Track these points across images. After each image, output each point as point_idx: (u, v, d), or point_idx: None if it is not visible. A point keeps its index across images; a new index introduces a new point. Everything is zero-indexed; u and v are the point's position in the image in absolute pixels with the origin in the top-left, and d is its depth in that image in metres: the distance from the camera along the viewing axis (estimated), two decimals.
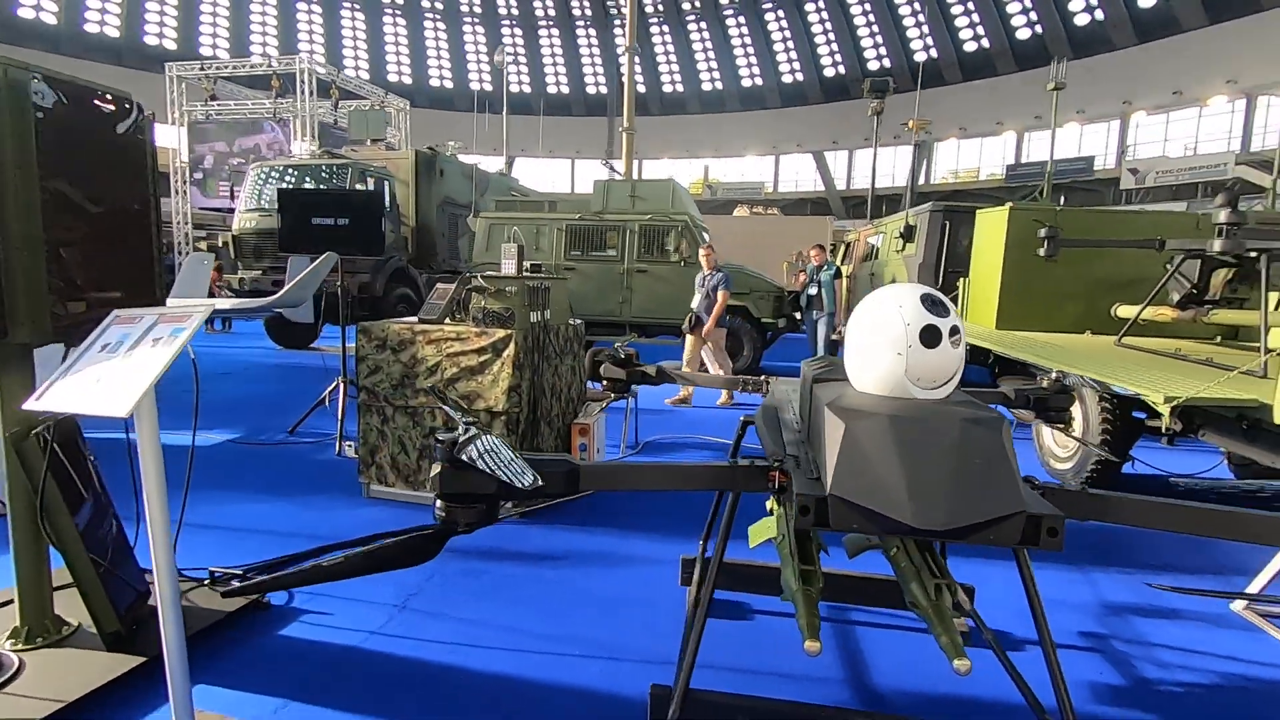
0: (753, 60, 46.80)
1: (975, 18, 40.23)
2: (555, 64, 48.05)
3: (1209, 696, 2.32)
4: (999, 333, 5.26)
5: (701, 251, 7.30)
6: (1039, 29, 38.01)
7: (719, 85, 47.55)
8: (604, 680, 2.27)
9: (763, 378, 2.89)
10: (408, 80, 43.89)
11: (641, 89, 41.40)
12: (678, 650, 2.37)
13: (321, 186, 9.94)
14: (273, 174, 10.36)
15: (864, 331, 1.54)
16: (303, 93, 18.09)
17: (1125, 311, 5.06)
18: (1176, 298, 4.51)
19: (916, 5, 41.57)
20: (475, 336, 3.80)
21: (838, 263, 11.32)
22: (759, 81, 47.19)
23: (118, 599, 2.23)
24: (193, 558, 2.92)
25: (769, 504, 2.47)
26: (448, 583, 2.93)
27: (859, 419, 1.37)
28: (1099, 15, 36.24)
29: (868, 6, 42.90)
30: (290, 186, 9.87)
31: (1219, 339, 4.82)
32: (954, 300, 6.87)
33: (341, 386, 5.16)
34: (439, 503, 1.52)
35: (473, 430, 1.50)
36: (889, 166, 45.64)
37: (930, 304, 1.45)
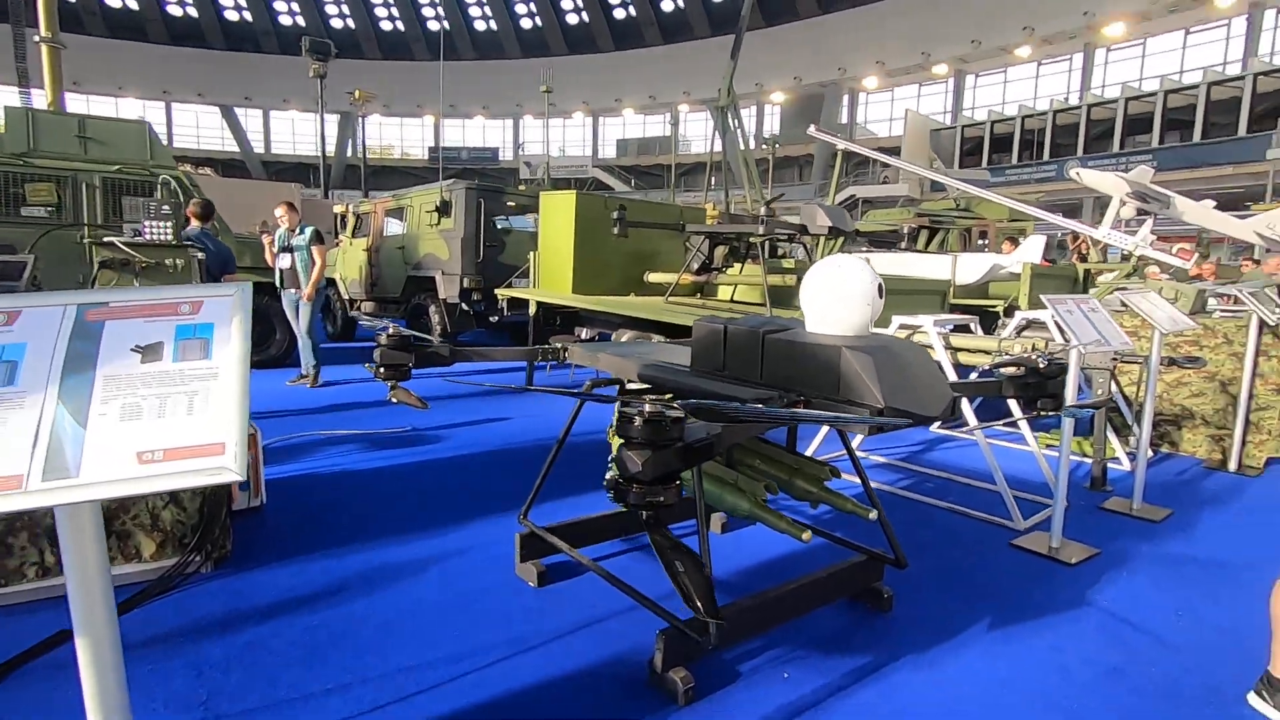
0: None
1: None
2: None
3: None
4: (578, 296, 6.23)
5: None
6: (447, 24, 41.68)
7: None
8: (513, 679, 2.15)
9: (559, 346, 2.99)
10: None
11: None
12: (543, 627, 2.41)
13: None
14: None
15: (833, 290, 2.02)
16: None
17: (654, 277, 6.68)
18: (695, 266, 6.27)
19: None
20: None
21: (346, 235, 10.73)
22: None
23: None
24: None
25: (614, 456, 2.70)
26: (243, 665, 2.09)
27: (878, 354, 1.87)
28: (493, 25, 42.16)
29: None
30: None
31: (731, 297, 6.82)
32: (524, 274, 7.66)
33: None
34: None
35: None
36: (310, 133, 43.52)
37: (871, 269, 2.04)
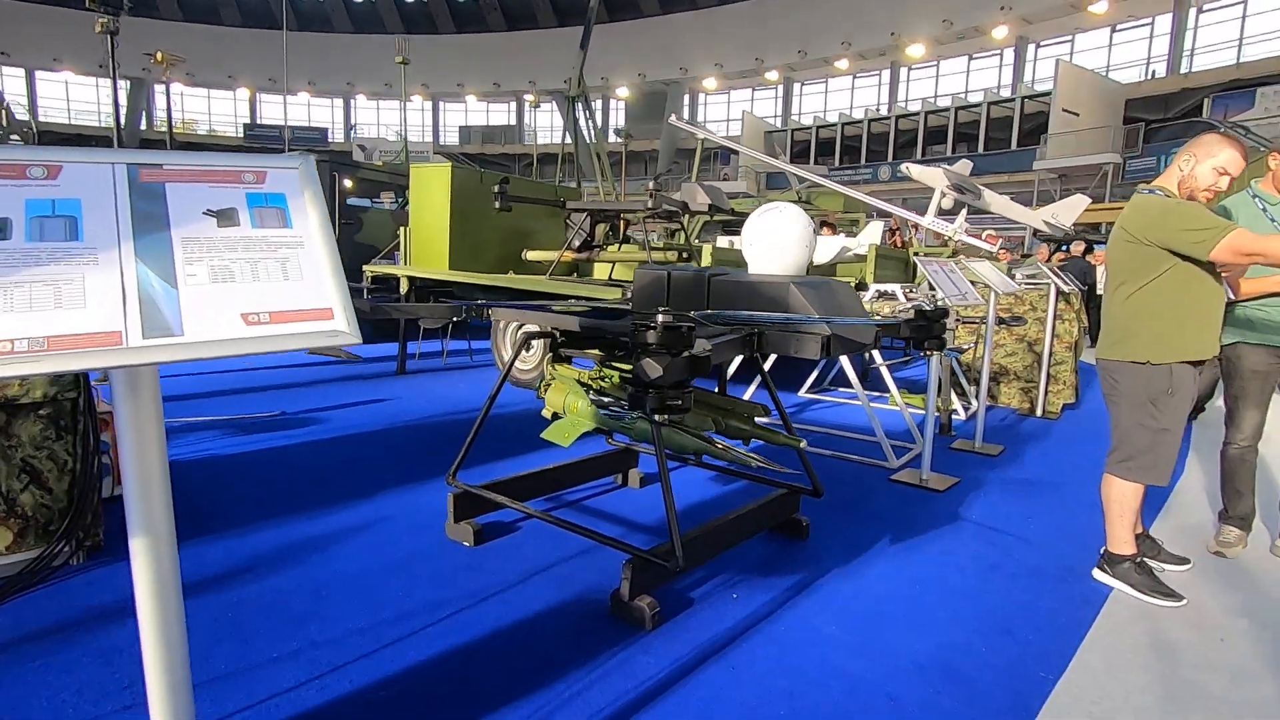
0: None
1: None
2: None
3: None
4: (456, 273, 6.03)
5: None
6: None
7: None
8: (460, 633, 2.12)
9: (481, 303, 2.92)
10: None
11: None
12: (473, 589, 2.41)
13: None
14: None
15: (774, 234, 2.19)
16: None
17: (533, 255, 6.63)
18: (577, 243, 6.30)
19: None
20: None
21: None
22: None
23: None
24: None
25: (549, 411, 2.73)
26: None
27: (821, 288, 2.06)
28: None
29: None
30: None
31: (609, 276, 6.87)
32: (387, 256, 7.22)
33: None
34: None
35: None
36: (90, 99, 37.68)
37: (807, 215, 2.24)
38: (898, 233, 12.17)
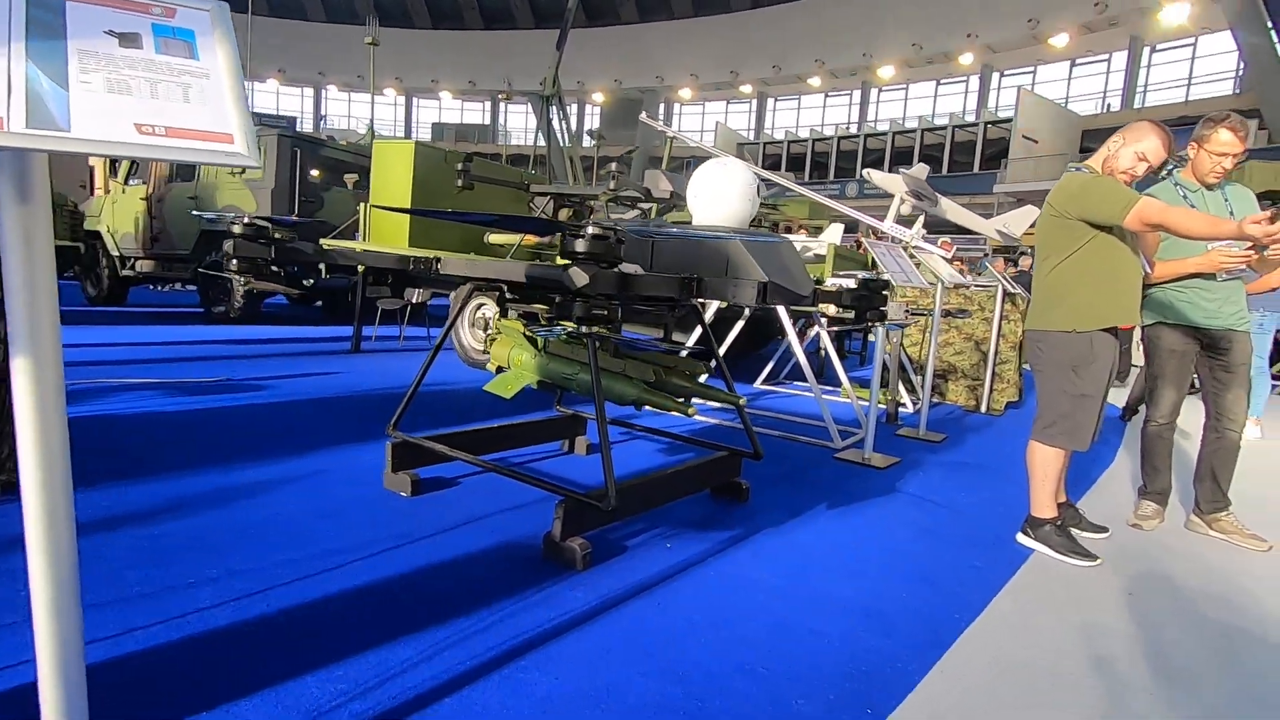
0: None
1: None
2: None
3: None
4: (414, 250, 5.96)
5: None
6: None
7: None
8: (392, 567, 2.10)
9: (434, 256, 2.90)
10: None
11: None
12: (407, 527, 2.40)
13: None
14: None
15: (717, 187, 2.23)
16: None
17: (495, 238, 6.60)
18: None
19: None
20: None
21: (117, 182, 9.19)
22: None
23: None
24: None
25: (494, 364, 2.73)
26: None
27: (761, 240, 2.11)
28: None
29: None
30: None
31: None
32: (343, 234, 7.10)
33: None
34: None
35: None
36: None
37: (751, 170, 2.29)
38: (857, 241, 12.48)
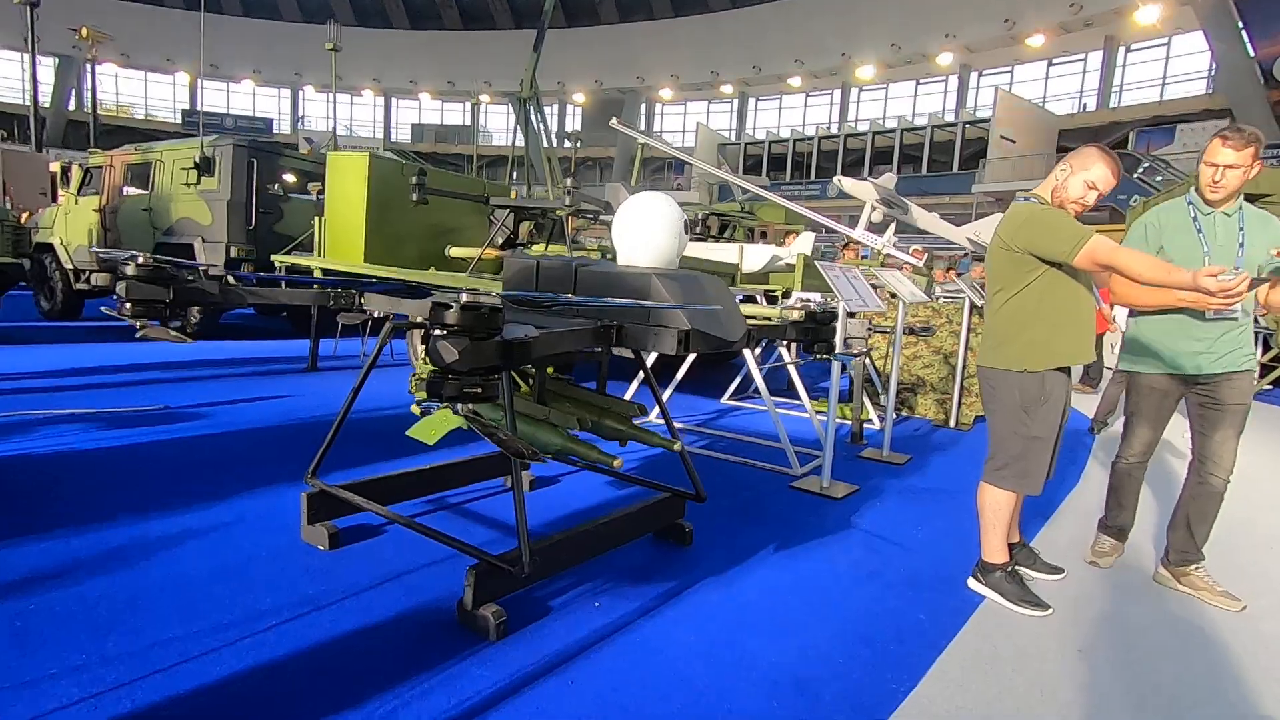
0: None
1: None
2: None
3: None
4: (372, 267, 5.78)
5: None
6: None
7: None
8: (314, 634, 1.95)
9: (352, 291, 2.74)
10: None
11: None
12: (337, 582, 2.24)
13: None
14: None
15: (641, 223, 2.09)
16: None
17: (456, 252, 6.41)
18: (500, 240, 6.12)
19: None
20: None
21: (70, 192, 8.91)
22: None
23: None
24: None
25: (418, 407, 2.57)
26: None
27: (685, 282, 1.97)
28: None
29: None
30: None
31: None
32: (300, 247, 6.89)
33: None
34: None
35: None
36: (14, 75, 35.62)
37: (677, 206, 2.15)
38: (848, 248, 12.40)
